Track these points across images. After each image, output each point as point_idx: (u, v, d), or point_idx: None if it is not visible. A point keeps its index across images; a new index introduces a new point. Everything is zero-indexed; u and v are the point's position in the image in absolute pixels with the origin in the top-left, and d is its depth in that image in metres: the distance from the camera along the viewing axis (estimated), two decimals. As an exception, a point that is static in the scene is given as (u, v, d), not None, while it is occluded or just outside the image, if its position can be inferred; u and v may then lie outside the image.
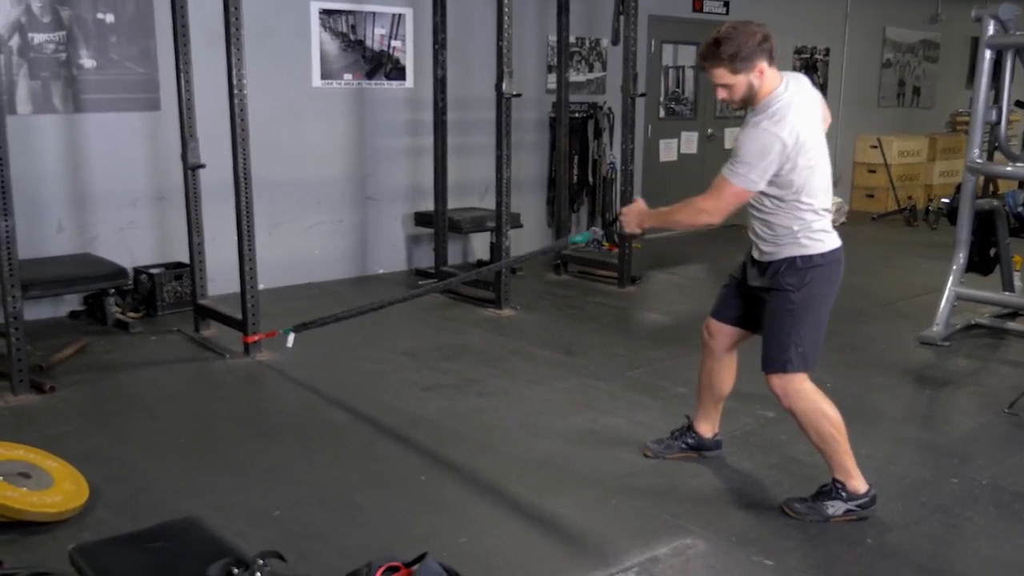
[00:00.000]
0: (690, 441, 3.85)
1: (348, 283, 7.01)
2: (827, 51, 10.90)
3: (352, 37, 6.87)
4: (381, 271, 7.33)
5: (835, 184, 11.59)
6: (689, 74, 9.56)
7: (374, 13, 6.96)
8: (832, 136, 12.25)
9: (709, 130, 9.75)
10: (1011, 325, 5.95)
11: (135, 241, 6.07)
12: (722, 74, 3.14)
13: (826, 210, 3.27)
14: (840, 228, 10.25)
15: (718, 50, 3.12)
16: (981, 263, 6.13)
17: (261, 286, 6.30)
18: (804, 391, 3.29)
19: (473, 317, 6.08)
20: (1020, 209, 5.89)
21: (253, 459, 3.82)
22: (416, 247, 7.55)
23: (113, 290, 5.63)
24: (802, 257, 3.21)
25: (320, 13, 6.67)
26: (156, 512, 3.21)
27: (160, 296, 5.89)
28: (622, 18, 6.74)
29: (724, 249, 8.88)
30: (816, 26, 10.73)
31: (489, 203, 7.84)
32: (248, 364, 5.01)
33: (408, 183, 7.37)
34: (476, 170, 7.59)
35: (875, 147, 11.24)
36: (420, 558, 2.39)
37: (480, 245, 7.81)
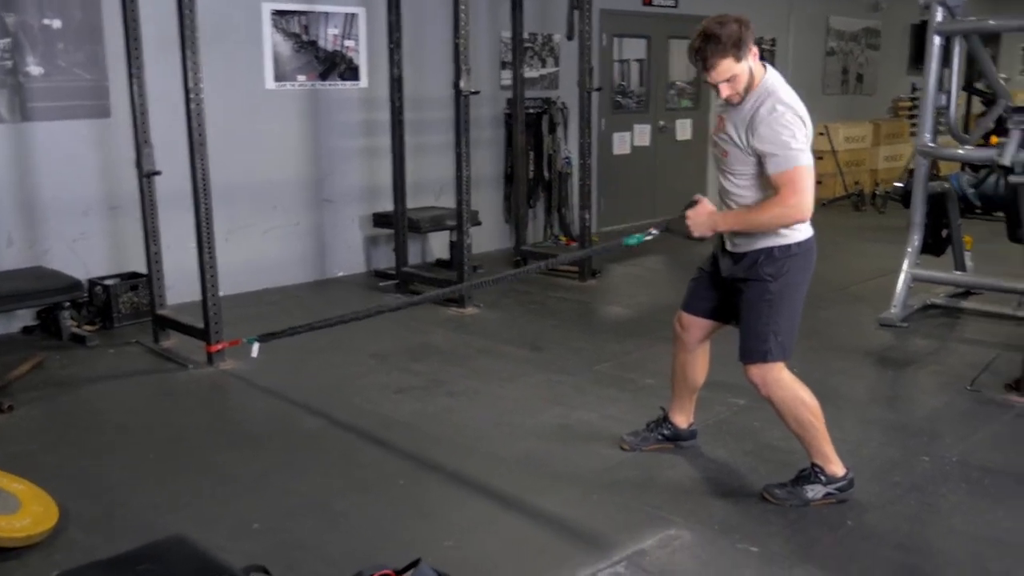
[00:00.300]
0: (666, 432, 3.88)
1: (307, 287, 6.93)
2: (773, 41, 11.04)
3: (305, 38, 6.79)
4: (340, 273, 7.26)
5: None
6: (636, 67, 9.62)
7: (327, 13, 6.88)
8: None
9: (661, 122, 9.81)
10: (965, 304, 6.08)
11: (88, 252, 5.93)
12: (729, 65, 3.09)
13: None
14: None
15: (720, 42, 3.06)
16: (934, 245, 6.25)
17: (220, 293, 6.23)
18: (782, 380, 3.32)
19: (437, 316, 6.05)
20: (969, 191, 6.00)
21: (229, 470, 3.75)
22: (374, 248, 7.49)
23: (68, 303, 5.50)
24: (779, 247, 3.24)
25: (272, 14, 6.58)
26: (132, 530, 3.16)
27: (116, 308, 5.76)
28: (577, 12, 6.75)
29: (680, 241, 8.99)
30: (762, 16, 10.83)
31: (445, 201, 7.84)
32: (212, 374, 4.93)
33: (364, 184, 7.31)
34: (431, 169, 7.56)
35: (822, 134, 11.39)
36: (413, 564, 2.37)
37: (437, 244, 7.78)
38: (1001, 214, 6.17)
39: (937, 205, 6.15)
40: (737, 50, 3.08)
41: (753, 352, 3.30)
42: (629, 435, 3.92)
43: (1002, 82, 6.25)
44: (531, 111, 8.16)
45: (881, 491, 3.49)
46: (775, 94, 3.12)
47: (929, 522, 3.27)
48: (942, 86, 5.85)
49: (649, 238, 3.49)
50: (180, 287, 5.78)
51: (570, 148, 8.63)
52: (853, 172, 11.43)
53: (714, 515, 3.32)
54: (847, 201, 10.85)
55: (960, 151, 5.86)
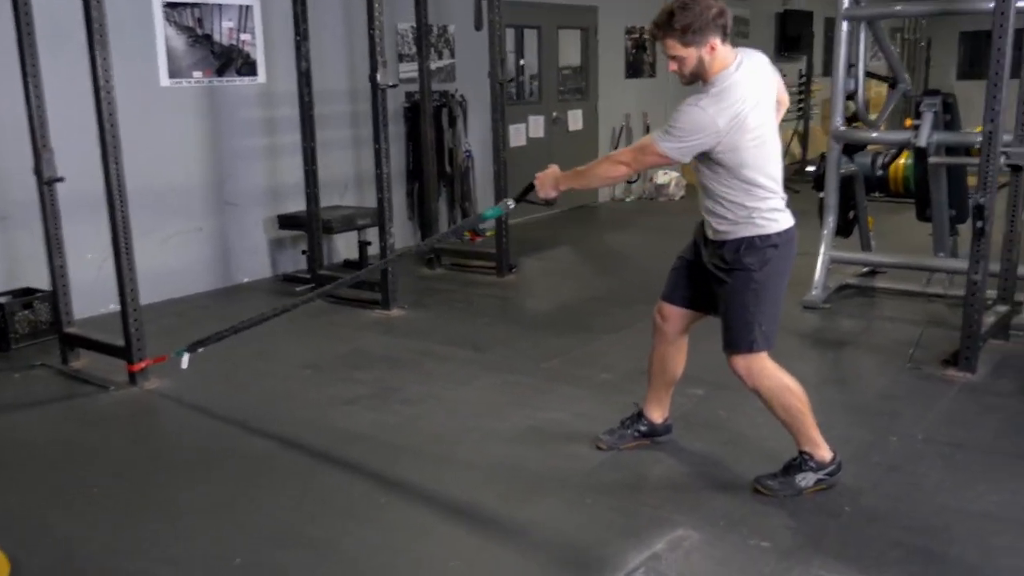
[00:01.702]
0: (642, 428, 3.80)
1: (214, 295, 6.55)
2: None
3: (199, 31, 6.39)
4: (246, 279, 6.89)
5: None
6: (529, 58, 9.55)
7: (220, 5, 6.49)
8: (661, 113, 12.66)
9: (554, 113, 9.78)
10: (878, 284, 6.28)
11: (-30, 268, 5.41)
12: (673, 45, 3.10)
13: (777, 188, 3.27)
14: (682, 202, 10.54)
15: (671, 20, 3.07)
16: (843, 226, 6.43)
17: (117, 307, 5.82)
18: (768, 369, 3.30)
19: (362, 320, 5.81)
20: (879, 172, 6.20)
21: (185, 502, 3.45)
22: (280, 252, 7.15)
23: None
24: (760, 236, 3.20)
25: (164, 6, 6.15)
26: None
27: (11, 328, 5.27)
28: (485, 1, 6.60)
29: (587, 230, 9.00)
30: (644, 7, 10.94)
31: (350, 200, 7.57)
32: (138, 395, 4.55)
33: (267, 185, 6.96)
34: (334, 166, 7.28)
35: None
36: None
37: (343, 245, 7.50)
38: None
39: (844, 187, 6.32)
40: (684, 35, 3.07)
41: (739, 343, 3.26)
42: (605, 434, 3.83)
43: (902, 66, 6.48)
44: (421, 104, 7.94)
45: (863, 473, 3.52)
46: (715, 96, 3.08)
47: (920, 501, 3.31)
48: (850, 71, 6.00)
49: (507, 210, 3.73)
50: (77, 302, 5.31)
51: (470, 142, 8.50)
52: (733, 157, 11.69)
53: (715, 511, 3.27)
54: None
55: (874, 134, 6.02)
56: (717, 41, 3.09)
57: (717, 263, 3.31)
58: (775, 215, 3.25)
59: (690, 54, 3.10)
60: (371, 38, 5.59)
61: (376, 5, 5.57)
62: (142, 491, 3.54)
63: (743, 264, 3.23)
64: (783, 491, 3.36)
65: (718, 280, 3.33)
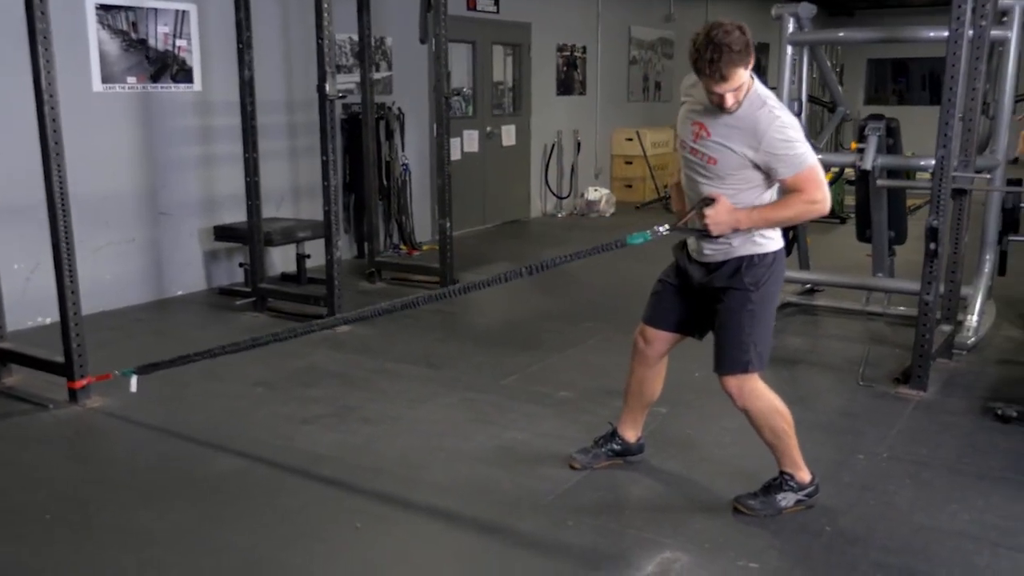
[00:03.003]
0: (616, 447, 3.76)
1: (147, 308, 6.29)
2: (584, 49, 11.25)
3: (134, 36, 6.15)
4: (180, 292, 6.64)
5: (596, 176, 12.03)
6: (462, 73, 9.50)
7: (155, 9, 6.26)
8: (592, 131, 12.73)
9: (488, 128, 9.74)
10: (818, 302, 6.40)
11: None
12: (740, 75, 2.96)
13: None
14: (612, 219, 10.58)
15: (733, 51, 2.90)
16: (786, 245, 6.52)
17: (47, 320, 5.57)
18: (758, 389, 3.29)
19: (309, 336, 5.56)
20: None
21: (148, 528, 3.26)
22: (214, 264, 6.92)
23: None
24: (758, 255, 3.20)
25: (97, 8, 5.90)
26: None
27: (-68, 343, 4.95)
28: (430, 15, 6.53)
29: (522, 246, 8.97)
30: (575, 25, 11.05)
31: (285, 212, 7.39)
32: (80, 414, 4.32)
33: (202, 195, 6.74)
34: (269, 177, 7.05)
35: (631, 140, 11.78)
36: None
37: (280, 258, 7.30)
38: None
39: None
40: (747, 58, 2.96)
41: (734, 363, 3.24)
42: (578, 452, 3.78)
43: (840, 91, 6.64)
44: (362, 117, 7.82)
45: (838, 493, 3.55)
46: (768, 101, 3.07)
47: (898, 520, 3.34)
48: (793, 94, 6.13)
49: (656, 237, 3.29)
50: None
51: (407, 155, 8.39)
52: (659, 176, 11.85)
53: (699, 532, 3.24)
54: (659, 204, 11.24)
55: (819, 156, 6.12)
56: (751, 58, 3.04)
57: (711, 283, 3.28)
58: (771, 233, 3.25)
59: (746, 78, 3.00)
60: (319, 48, 5.45)
61: (325, 15, 5.43)
62: (99, 517, 3.34)
63: (742, 284, 3.21)
64: (764, 511, 3.35)
65: (710, 300, 3.31)
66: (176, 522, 3.31)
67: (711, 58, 2.91)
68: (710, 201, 3.14)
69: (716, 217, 3.11)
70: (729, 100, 3.01)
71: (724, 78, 2.94)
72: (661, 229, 3.28)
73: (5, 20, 5.23)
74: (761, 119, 3.03)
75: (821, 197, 3.09)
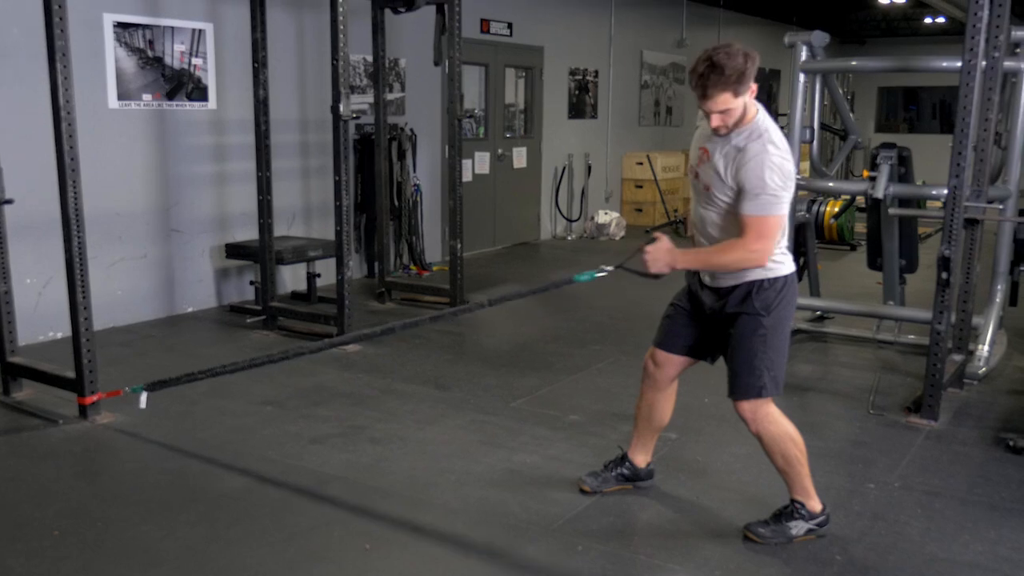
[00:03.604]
0: (625, 472, 3.75)
1: (157, 324, 6.30)
2: (596, 73, 11.30)
3: (150, 53, 6.20)
4: (190, 309, 6.65)
5: (607, 200, 12.03)
6: (475, 95, 9.54)
7: (172, 28, 6.32)
8: (603, 154, 12.78)
9: (499, 150, 9.78)
10: (829, 329, 6.38)
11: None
12: (727, 99, 2.99)
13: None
14: (622, 241, 10.60)
15: (724, 74, 2.95)
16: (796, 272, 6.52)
17: (59, 335, 5.59)
18: (772, 415, 3.28)
19: (319, 355, 5.62)
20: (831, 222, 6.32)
21: (156, 545, 3.26)
22: (225, 282, 6.93)
23: None
24: (768, 280, 3.20)
25: (115, 26, 5.95)
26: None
27: (-57, 356, 4.96)
28: (444, 38, 6.57)
29: (532, 268, 8.98)
30: (587, 49, 11.10)
31: (297, 230, 7.41)
32: (90, 429, 4.32)
33: (215, 213, 6.77)
34: (282, 196, 7.12)
35: (641, 164, 11.80)
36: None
37: (290, 276, 7.32)
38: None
39: (795, 234, 6.43)
40: (738, 85, 3.00)
41: (748, 388, 3.23)
42: (588, 476, 3.76)
43: (852, 118, 6.65)
44: (375, 137, 7.86)
45: (849, 522, 3.52)
46: (768, 134, 3.08)
47: (909, 551, 3.32)
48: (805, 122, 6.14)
49: (601, 275, 3.38)
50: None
51: (419, 176, 8.42)
52: (670, 200, 11.87)
53: (709, 559, 3.22)
54: (670, 228, 11.25)
55: (831, 184, 6.15)
56: (755, 85, 3.09)
57: (723, 308, 3.28)
58: (782, 258, 3.25)
59: (739, 104, 3.03)
60: (334, 68, 5.49)
61: (341, 36, 5.47)
62: (108, 534, 3.33)
63: (754, 309, 3.21)
64: (774, 539, 3.34)
65: (722, 325, 3.30)
66: (184, 539, 3.30)
67: (701, 72, 2.98)
68: (653, 240, 3.21)
69: (654, 255, 3.18)
70: (715, 120, 3.06)
71: (707, 96, 3.00)
72: (607, 267, 3.38)
73: (24, 37, 5.29)
74: (751, 149, 3.05)
75: (758, 248, 3.07)
